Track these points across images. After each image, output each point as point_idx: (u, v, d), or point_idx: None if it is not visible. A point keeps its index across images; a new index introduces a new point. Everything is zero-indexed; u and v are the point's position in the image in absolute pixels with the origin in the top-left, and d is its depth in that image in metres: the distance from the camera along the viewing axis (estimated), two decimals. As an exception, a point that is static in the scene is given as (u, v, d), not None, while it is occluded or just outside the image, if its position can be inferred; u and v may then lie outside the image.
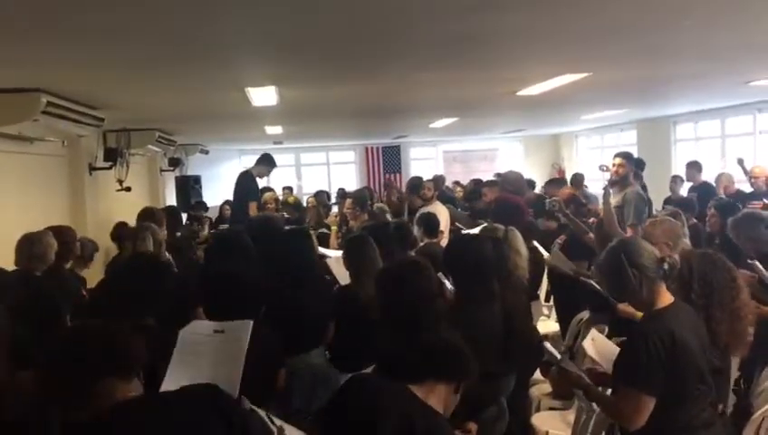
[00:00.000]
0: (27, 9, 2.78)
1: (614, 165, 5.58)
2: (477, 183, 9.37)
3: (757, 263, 3.66)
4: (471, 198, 8.69)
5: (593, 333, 3.12)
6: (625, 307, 3.66)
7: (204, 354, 2.22)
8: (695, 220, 5.97)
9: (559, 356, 2.75)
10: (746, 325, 2.75)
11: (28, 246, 4.00)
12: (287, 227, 5.86)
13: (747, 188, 7.62)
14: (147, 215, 5.46)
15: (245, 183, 7.17)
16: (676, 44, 4.47)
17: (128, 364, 1.64)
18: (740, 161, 7.98)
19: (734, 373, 3.68)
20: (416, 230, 5.21)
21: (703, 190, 7.81)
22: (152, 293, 2.71)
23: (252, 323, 2.31)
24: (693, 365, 2.38)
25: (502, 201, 6.05)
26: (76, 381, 1.57)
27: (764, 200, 6.50)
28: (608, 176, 5.67)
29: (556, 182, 9.36)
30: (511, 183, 6.53)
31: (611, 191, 5.30)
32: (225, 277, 2.98)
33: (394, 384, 1.92)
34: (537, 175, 12.25)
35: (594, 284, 4.13)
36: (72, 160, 6.84)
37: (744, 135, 9.90)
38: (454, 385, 2.02)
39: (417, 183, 7.43)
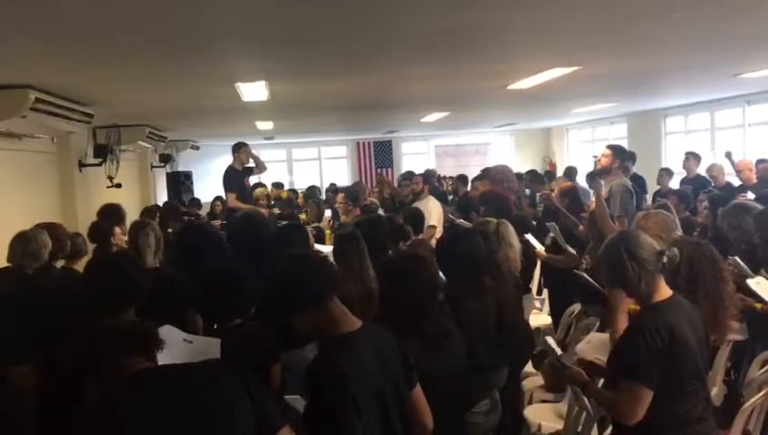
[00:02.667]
0: (15, 5, 2.76)
1: (601, 155, 5.62)
2: (463, 178, 9.42)
3: (737, 258, 3.68)
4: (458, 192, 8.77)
5: (589, 336, 3.12)
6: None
7: (182, 359, 2.26)
8: (687, 213, 6.01)
9: (559, 352, 2.75)
10: (728, 317, 2.77)
11: (22, 243, 3.98)
12: (282, 223, 5.84)
13: (736, 181, 7.68)
14: (110, 211, 5.41)
15: (228, 177, 7.18)
16: (666, 38, 4.48)
17: (151, 344, 1.83)
18: (728, 155, 8.03)
19: (726, 364, 3.72)
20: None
21: (697, 183, 7.85)
22: (128, 289, 2.71)
23: (220, 342, 2.44)
24: (690, 360, 2.37)
25: (488, 194, 6.07)
26: (110, 357, 1.74)
27: (749, 193, 6.56)
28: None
29: (538, 178, 9.41)
30: (499, 173, 6.55)
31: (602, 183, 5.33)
32: (220, 277, 2.97)
33: None
34: (529, 169, 12.27)
35: (587, 277, 4.15)
36: (61, 157, 6.80)
37: (733, 127, 9.96)
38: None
39: (408, 177, 7.45)
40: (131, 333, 1.84)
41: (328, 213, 8.04)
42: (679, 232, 4.26)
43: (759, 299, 3.55)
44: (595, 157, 5.87)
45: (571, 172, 10.10)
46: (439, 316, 2.57)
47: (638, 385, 2.34)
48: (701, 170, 8.31)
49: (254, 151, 7.92)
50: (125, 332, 1.84)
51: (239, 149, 7.30)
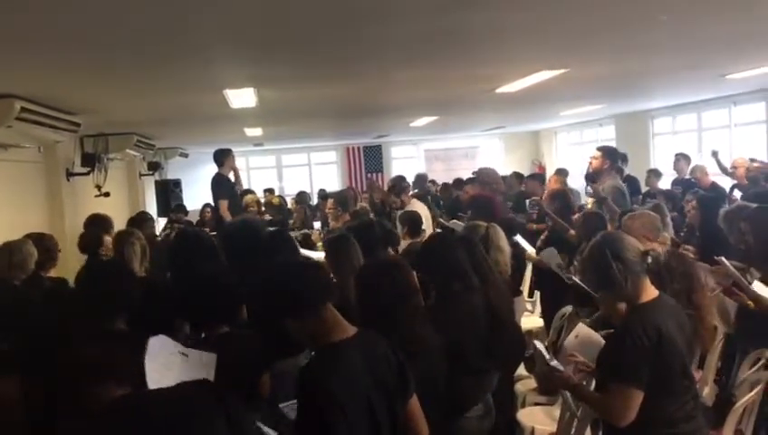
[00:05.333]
0: (-2, 14, 2.73)
1: (592, 157, 5.67)
2: (458, 182, 9.43)
3: (723, 259, 3.67)
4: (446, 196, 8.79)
5: (578, 328, 3.11)
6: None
7: (174, 371, 2.24)
8: (675, 213, 6.05)
9: (548, 356, 2.75)
10: (706, 319, 2.79)
11: (7, 254, 3.95)
12: (270, 229, 5.81)
13: (721, 181, 7.73)
14: (98, 221, 5.36)
15: (218, 184, 7.13)
16: (653, 39, 4.50)
17: (125, 370, 1.73)
18: (714, 154, 8.07)
19: (716, 364, 3.73)
20: (399, 229, 5.19)
21: (687, 184, 7.90)
22: (120, 298, 2.69)
23: (216, 356, 2.38)
24: (678, 359, 2.38)
25: (476, 198, 6.09)
26: (79, 385, 1.66)
27: (735, 191, 6.62)
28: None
29: (537, 178, 9.43)
30: (487, 176, 6.58)
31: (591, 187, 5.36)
32: (206, 283, 2.95)
33: None
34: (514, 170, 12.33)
35: (577, 280, 4.15)
36: (48, 166, 6.75)
37: (720, 128, 10.04)
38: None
39: (397, 183, 7.43)
40: (97, 360, 1.74)
41: (317, 224, 7.97)
42: (667, 233, 4.29)
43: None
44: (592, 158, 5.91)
45: (561, 173, 10.13)
46: (412, 324, 2.54)
47: (627, 387, 2.35)
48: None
49: (240, 159, 7.86)
50: (90, 359, 1.73)
51: (228, 155, 7.24)
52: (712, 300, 2.90)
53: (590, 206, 5.21)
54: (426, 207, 6.67)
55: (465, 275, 3.02)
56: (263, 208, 8.67)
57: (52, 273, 4.45)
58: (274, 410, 2.65)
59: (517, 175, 9.49)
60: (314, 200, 11.60)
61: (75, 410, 1.63)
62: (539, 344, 2.81)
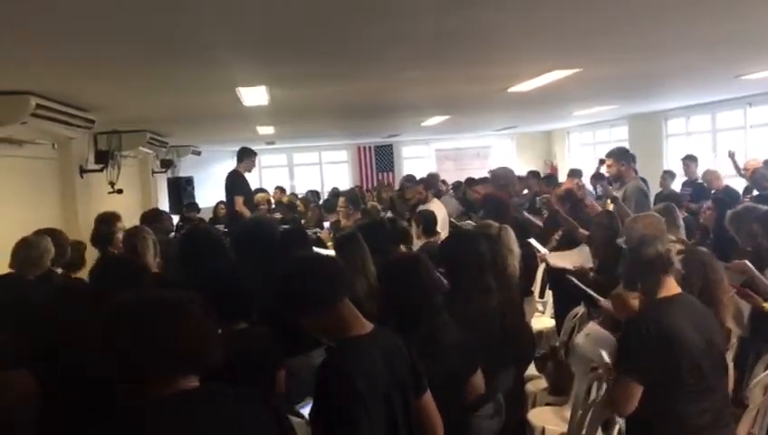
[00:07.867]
0: (14, 10, 2.75)
1: (605, 166, 5.65)
2: (470, 181, 9.43)
3: (747, 262, 3.66)
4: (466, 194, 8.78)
5: (589, 327, 3.11)
6: (606, 304, 3.67)
7: None
8: (685, 214, 6.00)
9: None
10: (722, 314, 2.80)
11: (25, 250, 3.98)
12: (283, 227, 5.83)
13: (736, 183, 7.66)
14: (108, 220, 5.37)
15: (234, 181, 7.15)
16: (666, 39, 4.47)
17: (196, 361, 1.63)
18: (731, 155, 8.01)
19: (730, 366, 3.70)
20: (414, 228, 5.18)
21: (698, 185, 7.86)
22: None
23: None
24: (686, 357, 2.38)
25: (488, 198, 6.08)
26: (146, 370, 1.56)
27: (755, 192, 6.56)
28: (604, 169, 5.74)
29: (547, 179, 9.41)
30: (500, 178, 6.57)
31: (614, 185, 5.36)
32: (222, 280, 2.96)
33: None
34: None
35: (578, 282, 4.15)
36: (62, 163, 6.80)
37: (734, 129, 9.95)
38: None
39: (410, 179, 7.44)
40: (185, 350, 1.60)
41: (326, 224, 7.98)
42: (680, 233, 4.26)
43: None
44: (603, 160, 5.89)
45: (575, 175, 10.09)
46: (434, 320, 2.55)
47: (627, 378, 2.41)
48: (699, 173, 8.31)
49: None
50: (181, 347, 1.59)
51: (251, 155, 7.24)
52: (729, 299, 2.90)
53: (609, 207, 5.20)
54: (443, 208, 6.66)
55: (485, 274, 3.02)
56: (272, 206, 8.69)
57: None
58: (289, 407, 2.65)
59: (534, 174, 9.46)
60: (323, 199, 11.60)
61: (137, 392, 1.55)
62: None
